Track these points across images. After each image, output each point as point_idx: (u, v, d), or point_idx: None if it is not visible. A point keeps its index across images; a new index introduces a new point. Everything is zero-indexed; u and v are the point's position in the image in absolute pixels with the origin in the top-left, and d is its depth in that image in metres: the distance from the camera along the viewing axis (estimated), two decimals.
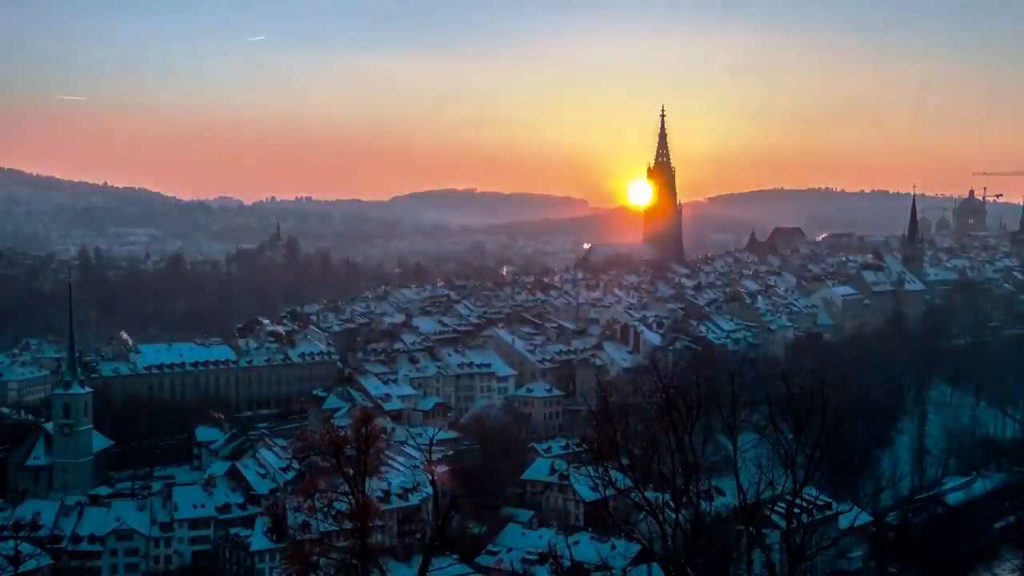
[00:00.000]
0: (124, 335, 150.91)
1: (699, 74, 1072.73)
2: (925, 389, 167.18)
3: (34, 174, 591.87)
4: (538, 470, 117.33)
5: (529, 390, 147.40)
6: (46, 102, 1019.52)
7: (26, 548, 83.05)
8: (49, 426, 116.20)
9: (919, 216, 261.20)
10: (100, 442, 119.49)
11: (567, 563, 65.74)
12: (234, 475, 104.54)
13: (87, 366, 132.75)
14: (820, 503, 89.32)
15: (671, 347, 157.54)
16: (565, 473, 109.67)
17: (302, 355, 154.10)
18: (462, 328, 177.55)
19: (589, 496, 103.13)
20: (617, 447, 42.59)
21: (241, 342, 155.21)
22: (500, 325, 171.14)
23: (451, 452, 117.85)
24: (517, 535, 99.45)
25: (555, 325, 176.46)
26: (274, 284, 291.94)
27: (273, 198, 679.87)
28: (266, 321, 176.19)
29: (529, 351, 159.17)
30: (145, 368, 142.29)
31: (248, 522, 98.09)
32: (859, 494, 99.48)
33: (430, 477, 57.01)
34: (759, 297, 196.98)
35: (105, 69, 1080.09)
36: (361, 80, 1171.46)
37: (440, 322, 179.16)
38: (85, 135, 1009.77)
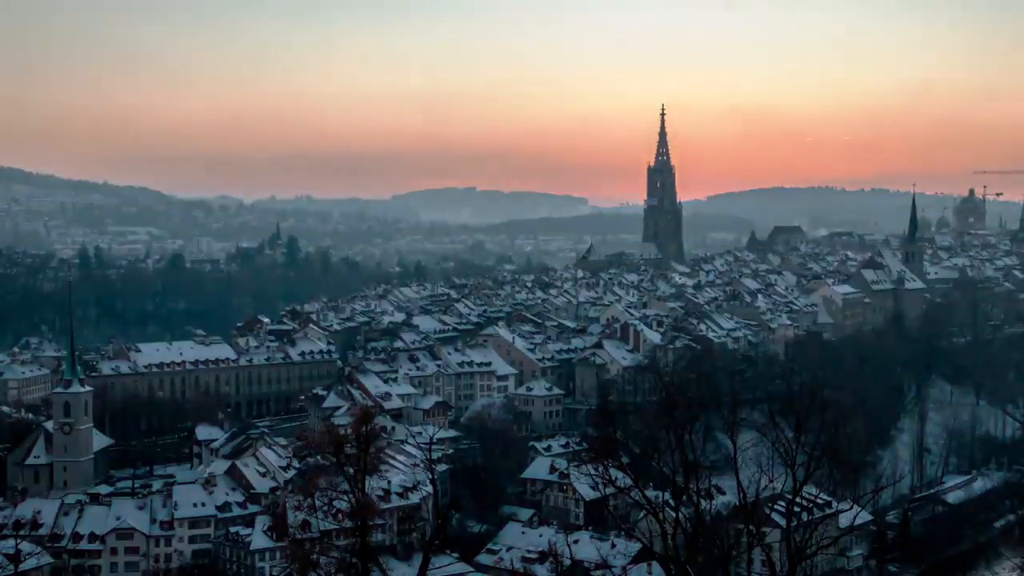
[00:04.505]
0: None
1: (700, 71, 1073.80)
2: (925, 388, 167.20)
3: (34, 173, 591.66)
4: (538, 469, 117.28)
5: (529, 389, 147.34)
6: (46, 102, 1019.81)
7: (26, 547, 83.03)
8: (49, 425, 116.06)
9: (919, 215, 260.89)
10: (100, 441, 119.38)
11: (567, 562, 65.87)
12: (234, 474, 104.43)
13: (87, 365, 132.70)
14: (820, 502, 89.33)
15: (671, 346, 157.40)
16: (565, 472, 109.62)
17: (302, 354, 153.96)
18: (462, 327, 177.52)
19: (589, 495, 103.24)
20: (617, 446, 42.62)
21: (241, 341, 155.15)
22: (500, 324, 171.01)
23: (451, 451, 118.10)
24: (517, 534, 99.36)
25: (555, 324, 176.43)
26: (274, 283, 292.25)
27: (273, 197, 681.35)
28: (266, 320, 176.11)
29: (529, 350, 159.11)
30: (145, 367, 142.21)
31: (248, 521, 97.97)
32: (859, 493, 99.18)
33: (430, 476, 57.17)
34: (759, 296, 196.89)
35: (105, 68, 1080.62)
36: (362, 78, 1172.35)
37: (440, 321, 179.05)
38: (85, 135, 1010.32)
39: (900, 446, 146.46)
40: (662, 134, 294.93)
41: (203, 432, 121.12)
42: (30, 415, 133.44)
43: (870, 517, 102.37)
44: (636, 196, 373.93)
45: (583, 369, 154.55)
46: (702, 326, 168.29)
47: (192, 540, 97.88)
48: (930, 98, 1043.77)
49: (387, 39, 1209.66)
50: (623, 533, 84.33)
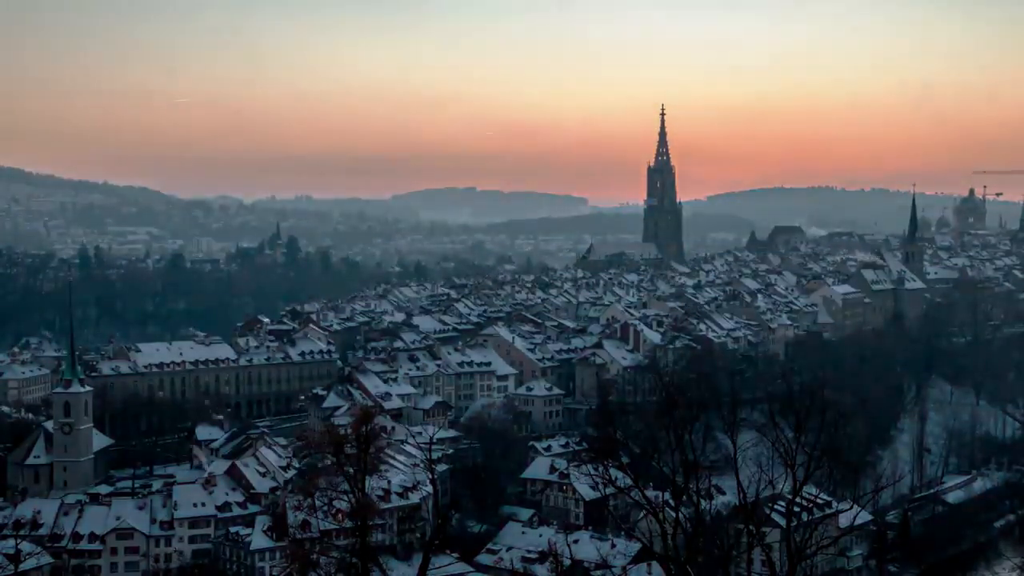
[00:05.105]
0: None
1: (700, 71, 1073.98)
2: (925, 387, 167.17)
3: (34, 173, 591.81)
4: (538, 469, 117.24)
5: (529, 389, 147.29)
6: (46, 101, 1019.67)
7: (26, 547, 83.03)
8: (49, 425, 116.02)
9: (919, 215, 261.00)
10: (100, 441, 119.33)
11: (567, 562, 65.84)
12: (234, 474, 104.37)
13: (87, 365, 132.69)
14: (820, 502, 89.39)
15: (671, 346, 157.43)
16: (565, 472, 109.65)
17: (302, 354, 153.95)
18: (462, 327, 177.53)
19: (589, 495, 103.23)
20: (617, 446, 42.65)
21: (241, 341, 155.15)
22: (500, 324, 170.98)
23: (451, 451, 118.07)
24: (517, 534, 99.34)
25: (555, 324, 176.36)
26: (274, 283, 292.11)
27: (273, 197, 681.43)
28: (266, 320, 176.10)
29: (529, 350, 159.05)
30: (145, 367, 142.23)
31: (248, 521, 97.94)
32: (859, 493, 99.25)
33: (430, 476, 57.16)
34: (759, 296, 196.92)
35: (105, 68, 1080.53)
36: (361, 78, 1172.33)
37: (440, 321, 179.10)
38: (85, 135, 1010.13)
39: (900, 446, 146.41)
40: (662, 134, 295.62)
41: (203, 432, 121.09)
42: (30, 415, 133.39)
43: (870, 517, 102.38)
44: (636, 196, 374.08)
45: (583, 369, 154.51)
46: (702, 326, 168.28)
47: (192, 540, 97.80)
48: (930, 98, 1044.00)
49: (387, 39, 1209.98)
50: (623, 533, 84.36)
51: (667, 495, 37.97)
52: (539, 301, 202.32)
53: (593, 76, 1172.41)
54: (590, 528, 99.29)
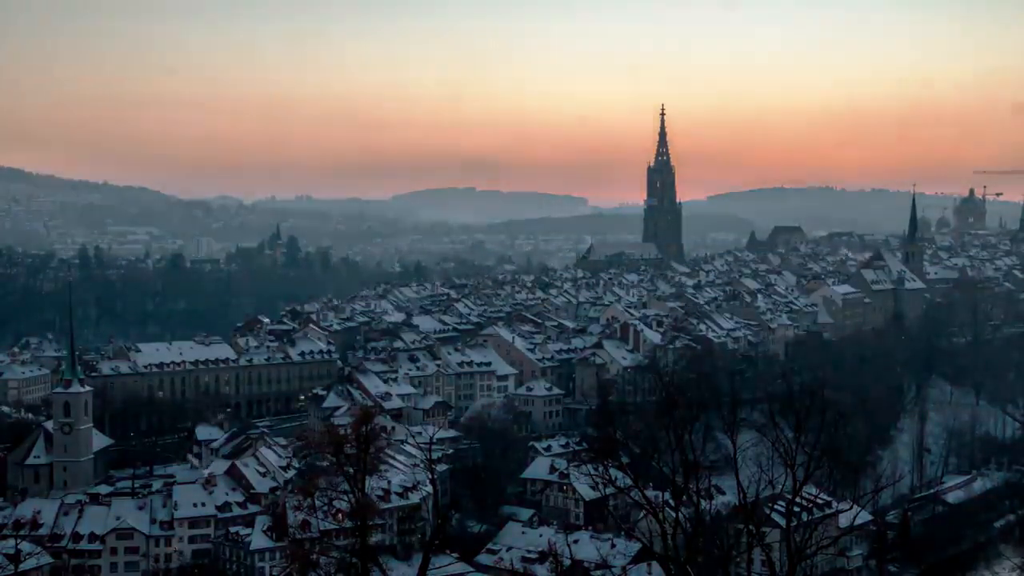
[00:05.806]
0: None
1: (700, 71, 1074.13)
2: (925, 387, 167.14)
3: (34, 173, 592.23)
4: (538, 469, 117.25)
5: (529, 389, 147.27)
6: (47, 102, 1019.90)
7: (26, 547, 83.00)
8: (49, 425, 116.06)
9: (919, 215, 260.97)
10: (100, 441, 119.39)
11: (567, 562, 65.81)
12: (234, 474, 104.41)
13: (87, 365, 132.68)
14: (820, 502, 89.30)
15: (671, 346, 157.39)
16: (565, 472, 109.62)
17: (302, 354, 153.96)
18: (462, 327, 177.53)
19: (589, 495, 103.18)
20: (617, 446, 42.66)
21: (241, 341, 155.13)
22: (500, 324, 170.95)
23: (451, 451, 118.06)
24: (517, 534, 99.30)
25: (555, 324, 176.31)
26: (274, 283, 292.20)
27: (273, 197, 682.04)
28: (266, 320, 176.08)
29: (529, 350, 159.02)
30: (145, 367, 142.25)
31: (248, 521, 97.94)
32: (859, 493, 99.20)
33: (430, 476, 57.15)
34: (759, 296, 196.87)
35: (106, 69, 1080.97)
36: (361, 78, 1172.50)
37: (440, 321, 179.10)
38: (85, 135, 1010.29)
39: (900, 446, 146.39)
40: (662, 134, 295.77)
41: (203, 432, 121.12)
42: (30, 415, 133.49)
43: (870, 517, 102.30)
44: (636, 196, 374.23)
45: (583, 369, 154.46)
46: (702, 326, 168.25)
47: (192, 540, 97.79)
48: (930, 98, 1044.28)
49: (387, 40, 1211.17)
50: (623, 533, 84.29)
51: (667, 495, 37.95)
52: (539, 301, 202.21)
53: (593, 76, 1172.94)
54: (590, 528, 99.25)
